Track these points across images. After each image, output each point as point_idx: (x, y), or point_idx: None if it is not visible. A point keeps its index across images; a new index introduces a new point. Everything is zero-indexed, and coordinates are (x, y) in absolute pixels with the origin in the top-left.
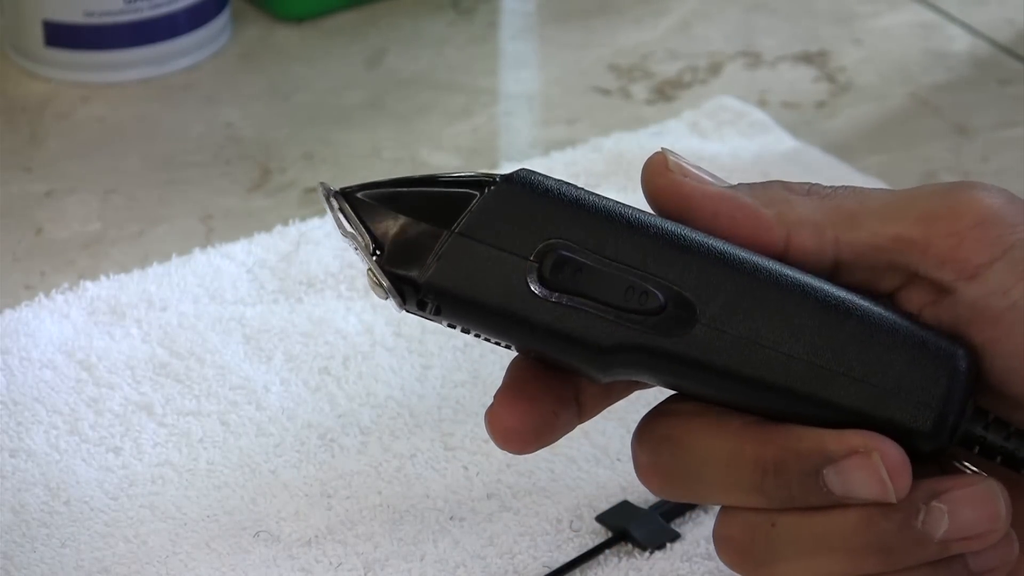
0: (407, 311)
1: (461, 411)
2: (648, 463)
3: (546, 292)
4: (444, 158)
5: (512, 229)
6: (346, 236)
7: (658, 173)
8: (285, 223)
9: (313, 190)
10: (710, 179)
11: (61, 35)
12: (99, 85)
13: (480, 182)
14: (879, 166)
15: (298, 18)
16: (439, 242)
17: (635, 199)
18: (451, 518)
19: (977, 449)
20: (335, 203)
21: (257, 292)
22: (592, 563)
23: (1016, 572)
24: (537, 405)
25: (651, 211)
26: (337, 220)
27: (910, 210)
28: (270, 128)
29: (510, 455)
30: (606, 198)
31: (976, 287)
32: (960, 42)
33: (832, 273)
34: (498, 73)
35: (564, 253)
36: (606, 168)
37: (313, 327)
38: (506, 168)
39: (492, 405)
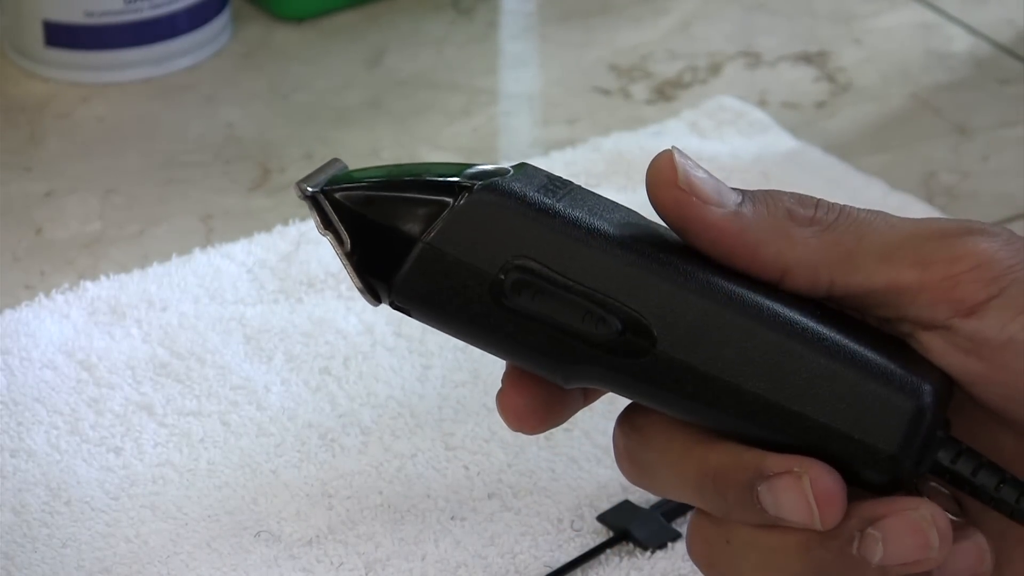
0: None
1: (462, 411)
2: (621, 449)
3: (509, 308)
4: (444, 158)
5: (480, 242)
6: (322, 234)
7: (665, 186)
8: (285, 223)
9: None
10: (715, 196)
11: (61, 35)
12: (99, 85)
13: (454, 187)
14: (879, 166)
15: (298, 18)
16: (410, 250)
17: (635, 199)
18: (452, 518)
19: (948, 479)
20: (315, 202)
21: (257, 292)
22: (593, 563)
23: None
24: (544, 384)
25: (632, 220)
26: (315, 218)
27: (907, 254)
28: (270, 128)
29: (511, 455)
30: (581, 213)
31: (973, 323)
32: (960, 42)
33: (824, 300)
34: (498, 73)
35: (527, 274)
36: (606, 168)
37: (313, 327)
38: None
39: (501, 387)
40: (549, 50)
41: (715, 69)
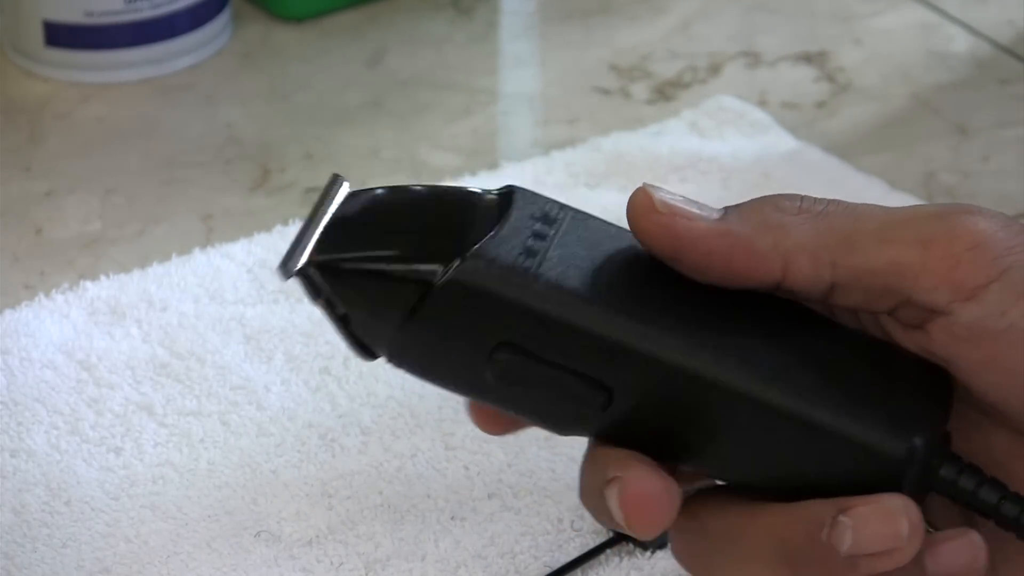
0: None
1: (462, 411)
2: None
3: (498, 381)
4: (444, 158)
5: (462, 324)
6: (314, 304)
7: (645, 214)
8: (285, 223)
9: (314, 190)
10: (698, 211)
11: (61, 35)
12: (99, 85)
13: (434, 270)
14: (879, 166)
15: (298, 18)
16: (395, 328)
17: None
18: (452, 518)
19: (949, 495)
20: (301, 281)
21: (257, 292)
22: (594, 562)
23: None
24: None
25: (618, 264)
26: (305, 291)
27: (905, 233)
28: (270, 128)
29: (511, 455)
30: (563, 278)
31: (973, 308)
32: (960, 42)
33: (827, 295)
34: (498, 73)
35: (512, 356)
36: (606, 168)
37: (313, 327)
38: (506, 168)
39: None
40: (549, 50)
41: (715, 69)
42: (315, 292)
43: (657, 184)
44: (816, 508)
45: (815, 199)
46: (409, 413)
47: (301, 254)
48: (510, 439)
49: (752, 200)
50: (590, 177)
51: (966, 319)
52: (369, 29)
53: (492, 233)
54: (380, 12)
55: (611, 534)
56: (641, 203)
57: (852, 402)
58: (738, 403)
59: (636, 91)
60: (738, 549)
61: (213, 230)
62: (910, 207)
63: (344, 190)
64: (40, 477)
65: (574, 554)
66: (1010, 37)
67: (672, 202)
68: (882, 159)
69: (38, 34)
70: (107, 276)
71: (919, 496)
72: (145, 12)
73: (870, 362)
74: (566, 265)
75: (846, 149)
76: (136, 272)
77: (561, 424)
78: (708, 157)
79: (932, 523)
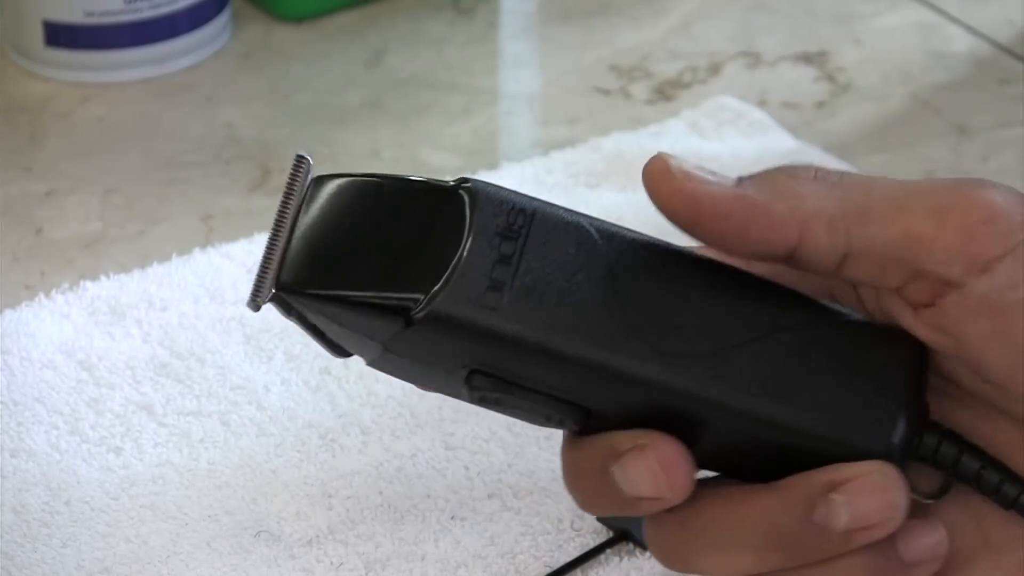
0: None
1: (462, 411)
2: None
3: (477, 402)
4: (444, 158)
5: (439, 354)
6: (287, 318)
7: (662, 178)
8: None
9: None
10: (713, 178)
11: (61, 35)
12: (99, 85)
13: (413, 283)
14: (879, 166)
15: (298, 18)
16: (373, 350)
17: (635, 199)
18: (452, 518)
19: (931, 463)
20: (274, 304)
21: None
22: (593, 562)
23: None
24: None
25: (589, 268)
26: (278, 310)
27: (920, 203)
28: (270, 128)
29: (511, 455)
30: (530, 304)
31: (985, 281)
32: (960, 42)
33: (838, 267)
34: (498, 73)
35: (486, 381)
36: (606, 168)
37: None
38: (506, 168)
39: None
40: (549, 50)
41: (715, 69)
42: (287, 311)
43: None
44: (804, 487)
45: (829, 169)
46: (409, 413)
47: (270, 280)
48: (510, 439)
49: (767, 169)
50: (590, 177)
51: (979, 291)
52: (369, 29)
53: (458, 258)
54: (380, 12)
55: (611, 534)
56: (658, 169)
57: (827, 402)
58: (711, 411)
59: (636, 91)
60: (723, 537)
61: (213, 230)
62: (924, 180)
63: (310, 175)
64: (40, 477)
65: (574, 554)
66: (1010, 37)
67: (688, 168)
68: (882, 159)
69: (38, 34)
70: (107, 276)
71: (902, 465)
72: (145, 12)
73: (843, 343)
74: (532, 292)
75: (846, 149)
76: (136, 272)
77: (549, 426)
78: (708, 157)
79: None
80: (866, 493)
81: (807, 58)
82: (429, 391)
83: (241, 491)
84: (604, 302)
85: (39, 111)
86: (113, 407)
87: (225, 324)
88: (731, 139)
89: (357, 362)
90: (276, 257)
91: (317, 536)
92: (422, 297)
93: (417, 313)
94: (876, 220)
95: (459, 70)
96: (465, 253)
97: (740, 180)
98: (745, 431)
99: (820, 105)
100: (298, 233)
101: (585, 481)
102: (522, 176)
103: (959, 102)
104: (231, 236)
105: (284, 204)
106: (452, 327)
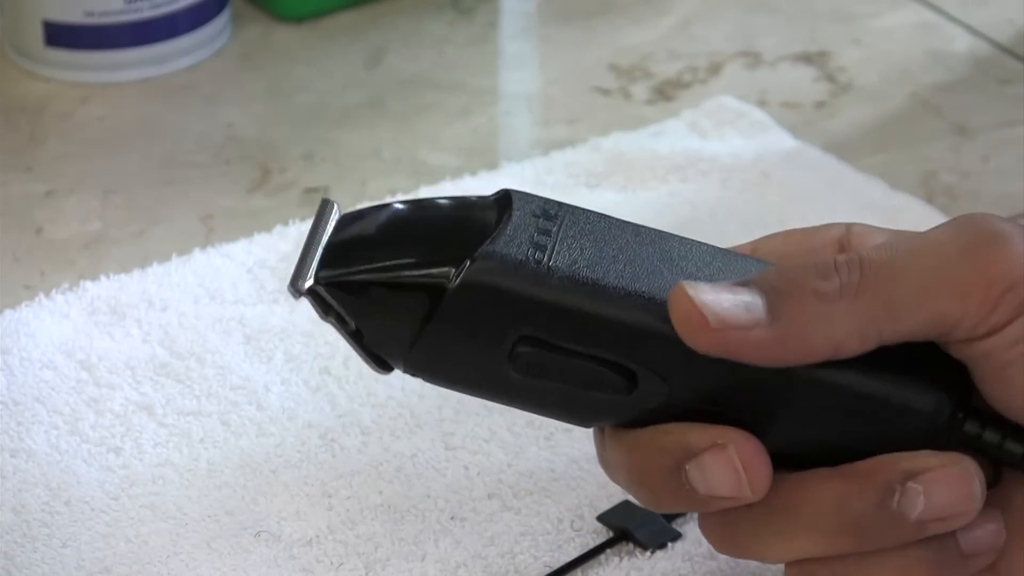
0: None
1: (462, 411)
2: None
3: (522, 376)
4: (444, 158)
5: (480, 324)
6: (325, 321)
7: (700, 333)
8: (285, 223)
9: (314, 190)
10: (748, 318)
11: (61, 35)
12: (99, 85)
13: (446, 272)
14: (879, 166)
15: (298, 18)
16: (413, 335)
17: (635, 199)
18: (452, 518)
19: (976, 448)
20: (310, 299)
21: (257, 292)
22: (593, 563)
23: (1008, 557)
24: None
25: (627, 252)
26: (315, 309)
27: (944, 284)
28: (270, 128)
29: (511, 455)
30: (574, 268)
31: (992, 341)
32: (960, 42)
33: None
34: (498, 73)
35: (534, 347)
36: (606, 168)
37: (314, 327)
38: (506, 168)
39: None
40: (549, 50)
41: (715, 69)
42: (325, 309)
43: (658, 183)
44: (883, 474)
45: (849, 267)
46: (409, 413)
47: (307, 273)
48: (510, 439)
49: (787, 277)
50: (590, 177)
51: (983, 349)
52: (369, 29)
53: (497, 232)
54: (380, 12)
55: (611, 534)
56: (692, 319)
57: (886, 370)
58: (770, 378)
59: (636, 91)
60: (793, 520)
61: (213, 230)
62: (938, 243)
63: (335, 214)
64: (40, 477)
65: (574, 554)
66: (1010, 37)
67: (722, 314)
68: (882, 159)
69: (38, 34)
70: (107, 276)
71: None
72: (145, 12)
73: (880, 384)
74: (575, 256)
75: (846, 149)
76: (136, 272)
77: (584, 414)
78: (708, 157)
79: None
80: (945, 484)
81: (807, 58)
82: (466, 387)
83: (241, 491)
84: (645, 266)
85: (39, 111)
86: (113, 407)
87: (225, 324)
88: (731, 139)
89: (357, 362)
90: (312, 256)
91: (317, 536)
92: (465, 263)
93: (460, 275)
94: (904, 315)
95: (459, 70)
96: (508, 223)
97: (764, 300)
98: (812, 398)
99: (820, 105)
100: (332, 238)
101: (654, 480)
102: (522, 176)
103: (959, 102)
104: (231, 236)
105: (314, 228)
106: (500, 286)
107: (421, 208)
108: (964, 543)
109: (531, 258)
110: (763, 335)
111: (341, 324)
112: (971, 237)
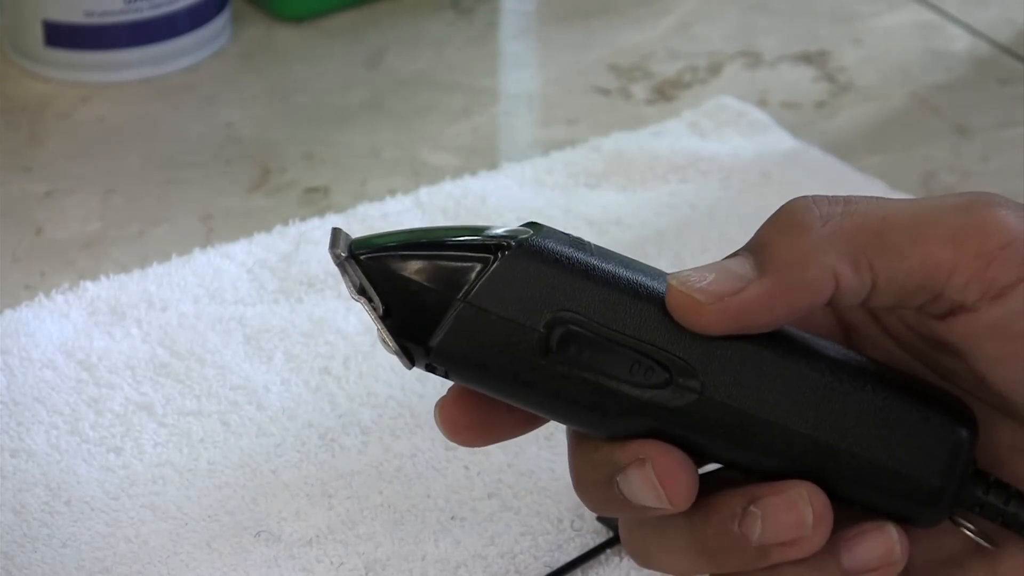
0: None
1: None
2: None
3: (555, 363)
4: (444, 158)
5: (521, 300)
6: (356, 299)
7: (698, 315)
8: (285, 223)
9: (314, 190)
10: (737, 280)
11: (61, 35)
12: (99, 85)
13: (489, 246)
14: (879, 166)
15: (298, 18)
16: (448, 310)
17: (634, 199)
18: (452, 518)
19: (977, 511)
20: (347, 267)
21: (257, 292)
22: (593, 562)
23: None
24: (487, 403)
25: (658, 271)
26: (347, 283)
27: (936, 228)
28: (270, 128)
29: (511, 455)
30: (614, 266)
31: (998, 308)
32: (960, 42)
33: (867, 300)
34: (498, 73)
35: (572, 327)
36: (606, 168)
37: (313, 327)
38: (506, 168)
39: (444, 397)
40: (549, 50)
41: (715, 69)
42: (358, 284)
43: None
44: (727, 499)
45: (827, 200)
46: (409, 413)
47: (342, 242)
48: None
49: (770, 229)
50: (590, 177)
51: (990, 318)
52: (369, 29)
53: (535, 233)
54: (380, 12)
55: (611, 534)
56: (686, 306)
57: (905, 394)
58: (804, 373)
59: (636, 91)
60: (664, 540)
61: (213, 230)
62: (934, 199)
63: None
64: (40, 477)
65: (574, 554)
66: (1010, 37)
67: (710, 288)
68: (882, 159)
69: (38, 34)
70: (107, 276)
71: (950, 512)
72: (145, 12)
73: (913, 380)
74: (611, 256)
75: (846, 149)
76: (136, 272)
77: (613, 411)
78: (708, 157)
79: (988, 538)
80: (779, 508)
81: (807, 58)
82: (491, 376)
83: (241, 491)
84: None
85: (39, 111)
86: (113, 407)
87: (225, 324)
88: (731, 139)
89: (358, 362)
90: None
91: (317, 536)
92: (511, 240)
93: (509, 247)
94: (895, 249)
95: (459, 70)
96: (542, 231)
97: (754, 259)
98: (792, 447)
99: (820, 105)
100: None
101: (596, 490)
102: (522, 176)
103: (959, 102)
104: (231, 236)
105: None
106: (547, 254)
107: (446, 229)
108: (846, 559)
109: (571, 250)
110: (758, 289)
111: (372, 306)
112: (969, 198)
